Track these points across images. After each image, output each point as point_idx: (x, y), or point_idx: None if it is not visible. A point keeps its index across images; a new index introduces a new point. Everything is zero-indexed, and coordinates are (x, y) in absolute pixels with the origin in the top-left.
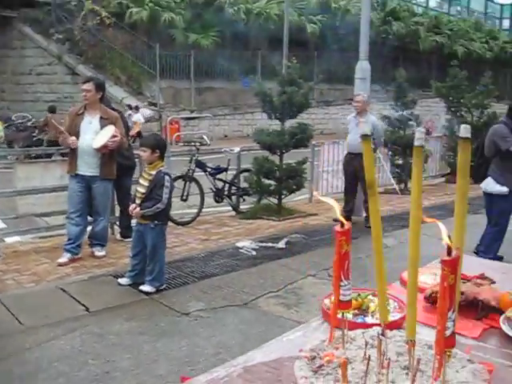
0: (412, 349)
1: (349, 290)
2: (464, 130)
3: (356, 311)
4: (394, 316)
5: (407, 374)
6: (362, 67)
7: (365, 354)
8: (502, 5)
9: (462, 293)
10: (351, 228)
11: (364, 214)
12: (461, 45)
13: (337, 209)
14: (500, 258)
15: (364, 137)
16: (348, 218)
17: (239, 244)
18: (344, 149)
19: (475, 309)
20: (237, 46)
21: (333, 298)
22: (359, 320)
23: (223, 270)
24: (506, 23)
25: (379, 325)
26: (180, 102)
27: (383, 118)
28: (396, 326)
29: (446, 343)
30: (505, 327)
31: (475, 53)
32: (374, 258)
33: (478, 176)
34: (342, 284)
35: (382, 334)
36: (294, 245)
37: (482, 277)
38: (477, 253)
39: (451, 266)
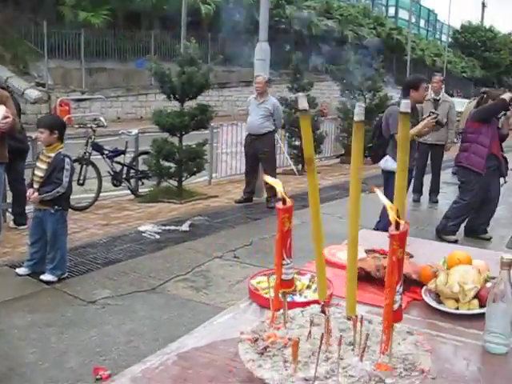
0: (360, 324)
1: (291, 268)
2: (404, 105)
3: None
4: None
5: (353, 349)
6: (262, 48)
7: (309, 333)
8: None
9: (385, 267)
10: (293, 206)
11: (265, 195)
12: (350, 30)
13: (280, 187)
14: None
15: (302, 112)
16: (249, 199)
17: (141, 228)
18: (243, 130)
19: None
20: (129, 25)
21: (259, 278)
22: (288, 299)
23: (127, 255)
24: (391, 10)
25: (317, 302)
26: (70, 82)
27: (281, 100)
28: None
29: (395, 317)
30: (427, 298)
31: (364, 38)
32: (313, 236)
33: (376, 156)
34: (284, 263)
35: (322, 312)
36: (197, 227)
37: None
38: (377, 229)
39: (400, 239)
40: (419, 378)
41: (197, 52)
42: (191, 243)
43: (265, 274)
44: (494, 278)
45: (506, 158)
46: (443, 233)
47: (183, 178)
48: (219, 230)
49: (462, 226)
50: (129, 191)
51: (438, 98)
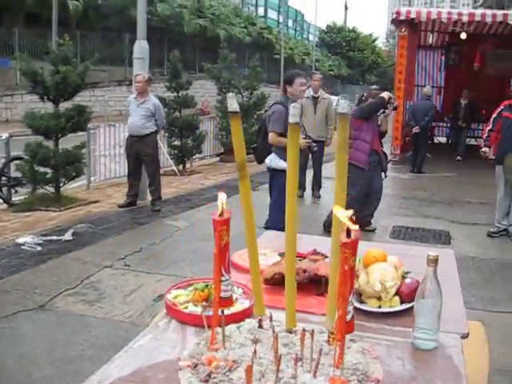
0: (311, 338)
1: (230, 284)
2: (341, 106)
3: (204, 303)
4: (243, 303)
5: (302, 365)
6: (141, 46)
7: (255, 353)
8: None
9: (305, 270)
10: (229, 218)
11: (150, 198)
12: (223, 29)
13: (221, 201)
14: None
15: (232, 114)
16: (133, 203)
17: (19, 240)
18: (121, 131)
19: (314, 285)
20: None
21: (175, 292)
22: (209, 313)
23: (7, 272)
24: (261, 11)
25: (246, 313)
26: None
27: (159, 99)
28: (251, 313)
29: (347, 328)
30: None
31: (236, 37)
32: (247, 246)
33: (261, 156)
34: (223, 279)
35: (260, 327)
36: (81, 235)
37: (315, 252)
38: (267, 228)
39: (352, 247)
40: None
41: (71, 50)
42: (77, 253)
43: (179, 287)
44: (408, 273)
45: (385, 154)
46: (331, 227)
47: (61, 184)
48: (105, 238)
49: None
50: (1, 200)
51: (317, 95)
